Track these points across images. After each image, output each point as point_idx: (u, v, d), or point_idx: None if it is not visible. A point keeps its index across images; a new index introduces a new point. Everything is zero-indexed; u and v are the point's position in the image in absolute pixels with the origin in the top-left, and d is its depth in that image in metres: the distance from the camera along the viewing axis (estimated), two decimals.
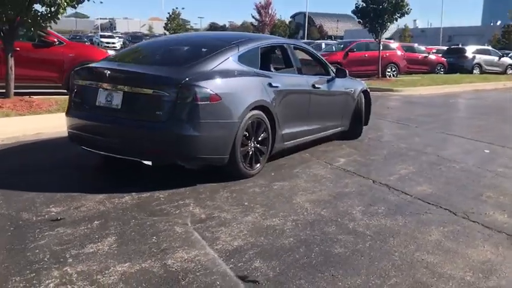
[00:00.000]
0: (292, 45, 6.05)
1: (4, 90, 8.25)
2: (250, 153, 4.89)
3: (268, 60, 5.85)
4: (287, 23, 74.69)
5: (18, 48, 9.12)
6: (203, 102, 4.33)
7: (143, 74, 4.58)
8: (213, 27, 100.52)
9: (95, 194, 4.19)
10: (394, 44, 21.65)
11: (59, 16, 7.87)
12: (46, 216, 3.67)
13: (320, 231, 3.59)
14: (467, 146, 7.17)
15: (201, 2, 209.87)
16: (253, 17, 65.49)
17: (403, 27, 65.07)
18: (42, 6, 7.74)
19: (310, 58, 6.68)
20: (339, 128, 6.89)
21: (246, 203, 4.16)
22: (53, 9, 7.68)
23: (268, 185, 4.71)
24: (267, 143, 5.12)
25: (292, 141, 5.68)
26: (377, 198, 4.48)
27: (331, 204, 4.23)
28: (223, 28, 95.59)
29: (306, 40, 30.61)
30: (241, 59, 5.00)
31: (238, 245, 3.29)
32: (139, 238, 3.35)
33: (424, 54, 23.88)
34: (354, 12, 18.21)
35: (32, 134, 6.49)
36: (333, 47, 22.19)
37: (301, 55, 6.67)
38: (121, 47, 43.72)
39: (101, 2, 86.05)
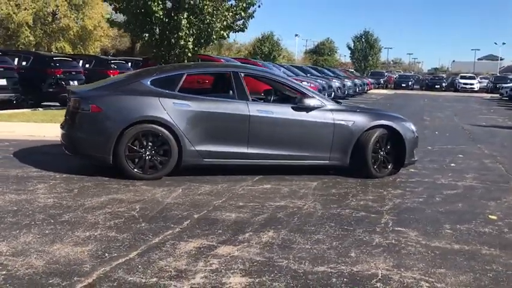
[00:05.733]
0: (242, 74, 6.35)
1: None
2: (143, 159, 5.76)
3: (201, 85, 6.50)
4: None
5: None
6: (85, 112, 5.71)
7: (72, 91, 6.28)
8: None
9: (24, 165, 6.13)
10: None
11: (189, 54, 10.62)
12: None
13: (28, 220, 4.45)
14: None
15: None
16: None
17: None
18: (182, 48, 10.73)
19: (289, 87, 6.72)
20: (326, 161, 6.46)
21: (75, 189, 5.20)
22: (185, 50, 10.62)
23: (132, 186, 5.44)
24: (169, 155, 5.85)
25: (216, 160, 6.02)
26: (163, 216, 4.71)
27: (110, 207, 4.69)
28: None
29: None
30: (154, 82, 5.99)
31: None
32: None
33: None
34: None
35: None
36: None
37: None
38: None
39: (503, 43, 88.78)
